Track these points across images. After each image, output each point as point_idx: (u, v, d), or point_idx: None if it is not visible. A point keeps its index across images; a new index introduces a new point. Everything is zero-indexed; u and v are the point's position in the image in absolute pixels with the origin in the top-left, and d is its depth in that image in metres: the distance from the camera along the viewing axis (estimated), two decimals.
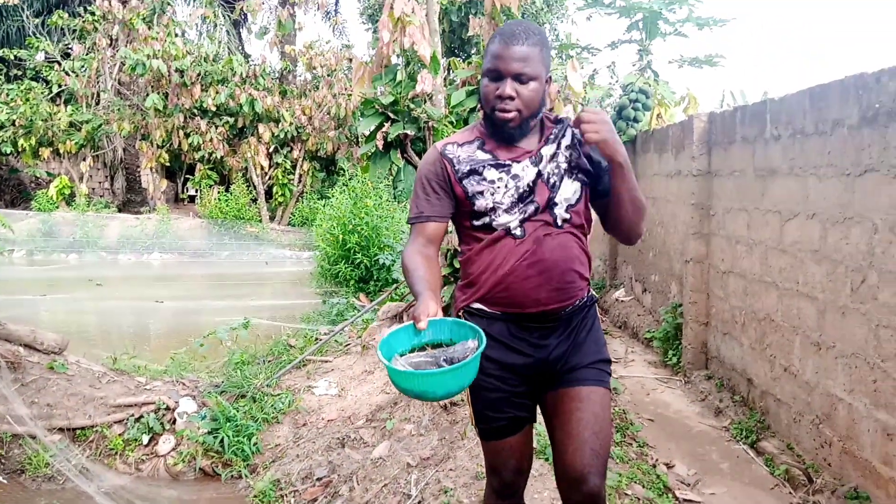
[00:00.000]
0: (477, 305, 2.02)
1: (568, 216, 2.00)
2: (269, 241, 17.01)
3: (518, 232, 1.98)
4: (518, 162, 2.01)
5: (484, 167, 2.01)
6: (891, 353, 3.25)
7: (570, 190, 2.02)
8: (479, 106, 4.00)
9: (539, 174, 2.01)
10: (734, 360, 4.93)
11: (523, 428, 2.10)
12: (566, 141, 2.05)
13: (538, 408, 2.15)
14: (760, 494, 3.64)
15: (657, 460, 3.93)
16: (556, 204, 2.00)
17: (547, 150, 2.02)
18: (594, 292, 2.07)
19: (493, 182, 2.00)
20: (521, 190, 1.99)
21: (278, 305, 8.71)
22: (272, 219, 18.54)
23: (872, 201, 3.41)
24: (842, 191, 3.67)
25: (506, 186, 1.99)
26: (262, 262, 14.50)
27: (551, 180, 2.01)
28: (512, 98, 1.91)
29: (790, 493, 3.62)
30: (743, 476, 3.84)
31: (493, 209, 1.99)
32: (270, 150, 17.94)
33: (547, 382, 2.06)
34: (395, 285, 6.43)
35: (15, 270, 14.71)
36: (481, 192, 1.99)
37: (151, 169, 18.13)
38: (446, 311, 2.43)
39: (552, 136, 2.05)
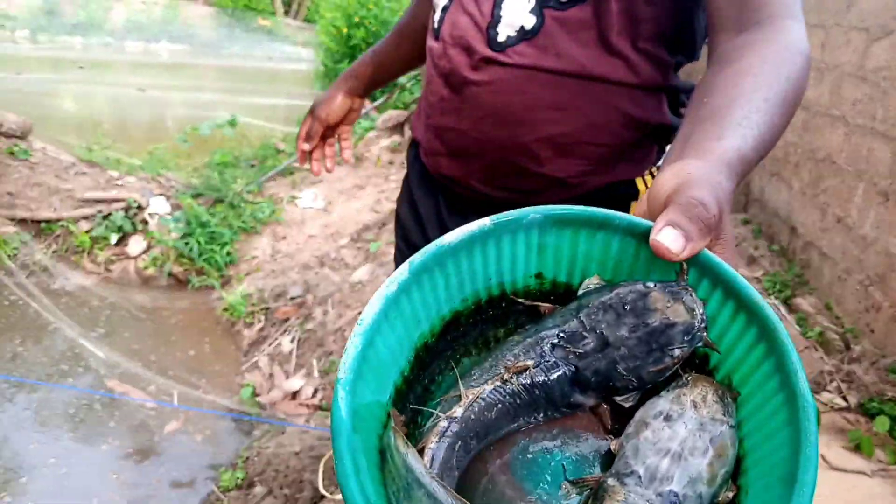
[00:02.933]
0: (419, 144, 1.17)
1: (519, 34, 0.92)
2: (282, 36, 15.86)
3: (437, 16, 1.04)
4: None
5: None
6: None
7: None
8: None
9: None
10: (779, 205, 4.31)
11: None
12: None
13: None
14: None
15: None
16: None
17: None
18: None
19: None
20: None
21: (275, 105, 8.01)
22: (287, 13, 17.21)
23: None
24: None
25: None
26: (267, 59, 13.54)
27: None
28: None
29: (822, 358, 3.16)
30: None
31: None
32: None
33: None
34: (395, 88, 5.69)
35: (13, 48, 13.89)
36: None
37: None
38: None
39: None
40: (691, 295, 0.52)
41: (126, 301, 4.10)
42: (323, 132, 1.43)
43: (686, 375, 0.53)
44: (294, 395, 2.92)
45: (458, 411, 0.50)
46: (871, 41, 3.47)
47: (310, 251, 4.03)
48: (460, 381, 0.52)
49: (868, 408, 2.86)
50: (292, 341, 3.40)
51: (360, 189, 4.58)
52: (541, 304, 0.59)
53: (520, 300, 0.60)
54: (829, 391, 2.99)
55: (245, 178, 4.83)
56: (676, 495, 0.46)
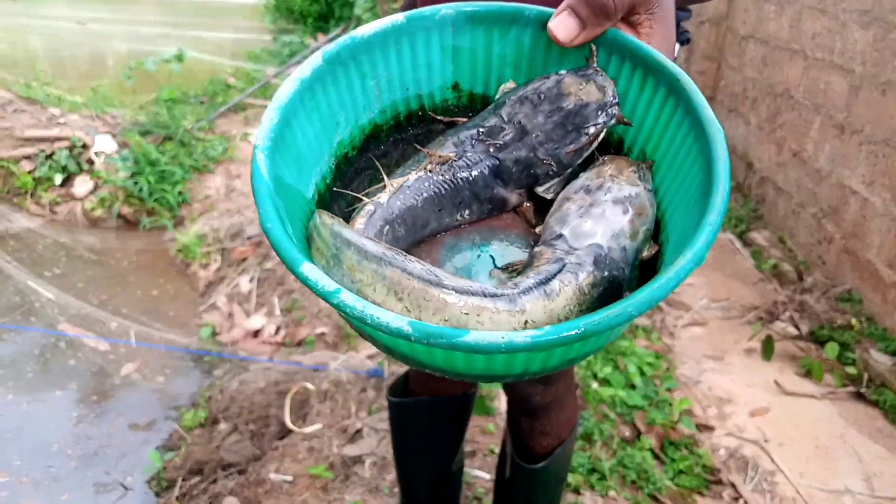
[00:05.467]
0: None
1: None
2: None
3: None
4: None
5: None
6: None
7: None
8: None
9: None
10: (736, 141, 4.35)
11: None
12: None
13: None
14: (742, 288, 3.26)
15: None
16: None
17: None
18: None
19: None
20: None
21: (222, 39, 7.68)
22: None
23: None
24: None
25: None
26: None
27: None
28: None
29: (776, 289, 3.25)
30: (725, 267, 3.45)
31: None
32: None
33: None
34: (351, 21, 5.49)
35: None
36: None
37: None
38: None
39: None
40: (602, 75, 0.54)
41: (75, 243, 3.95)
42: None
43: (602, 157, 0.56)
44: (256, 333, 2.88)
45: (383, 196, 0.50)
46: None
47: None
48: (384, 174, 0.52)
49: (819, 335, 2.95)
50: (251, 280, 3.33)
51: None
52: (458, 118, 0.60)
53: (438, 117, 0.60)
54: (782, 320, 3.08)
55: (195, 115, 4.64)
56: (601, 247, 0.48)
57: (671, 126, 0.52)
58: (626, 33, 0.54)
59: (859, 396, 2.66)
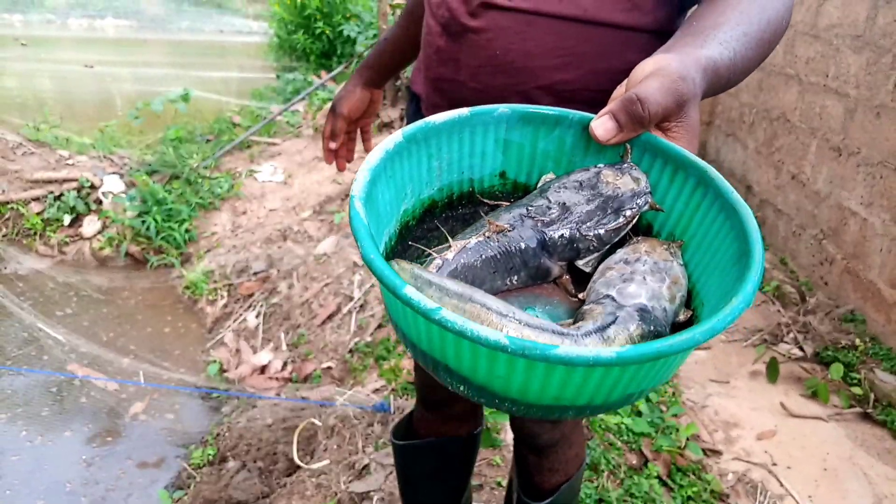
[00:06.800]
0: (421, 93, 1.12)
1: None
2: (232, 10, 15.44)
3: None
4: None
5: None
6: None
7: None
8: None
9: None
10: (734, 165, 4.39)
11: None
12: None
13: None
14: (746, 312, 3.27)
15: None
16: None
17: None
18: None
19: None
20: None
21: (228, 78, 7.82)
22: None
23: None
24: None
25: None
26: (218, 32, 13.20)
27: None
28: None
29: (779, 311, 3.26)
30: None
31: None
32: None
33: None
34: (353, 58, 5.59)
35: None
36: None
37: None
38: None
39: None
40: (635, 169, 0.64)
41: (83, 283, 4.00)
42: (346, 128, 1.40)
43: (636, 238, 0.64)
44: (263, 369, 2.90)
45: (449, 254, 0.58)
46: (822, 0, 3.53)
47: (271, 225, 3.97)
48: (449, 237, 0.60)
49: (823, 356, 2.95)
50: (258, 316, 3.37)
51: (320, 161, 4.52)
52: (502, 202, 0.69)
53: (485, 200, 0.70)
54: (786, 342, 3.08)
55: (201, 154, 4.71)
56: (646, 306, 0.55)
57: (701, 210, 0.61)
58: (657, 136, 0.64)
59: (866, 417, 2.65)
